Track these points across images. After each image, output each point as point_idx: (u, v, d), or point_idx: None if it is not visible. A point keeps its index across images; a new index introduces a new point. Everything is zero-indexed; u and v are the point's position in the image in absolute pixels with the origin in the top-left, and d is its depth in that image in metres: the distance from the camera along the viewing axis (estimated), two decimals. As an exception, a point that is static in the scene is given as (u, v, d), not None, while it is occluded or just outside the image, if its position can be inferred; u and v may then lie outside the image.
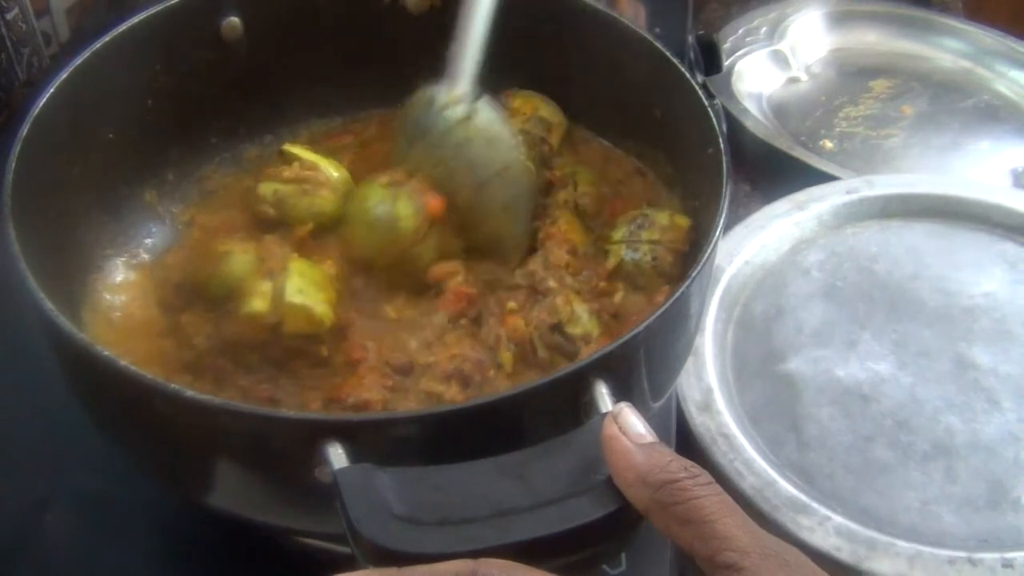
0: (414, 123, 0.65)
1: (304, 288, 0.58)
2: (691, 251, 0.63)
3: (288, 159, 0.66)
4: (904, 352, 0.78)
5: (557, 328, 0.58)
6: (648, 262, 0.62)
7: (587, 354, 0.54)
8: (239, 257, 0.60)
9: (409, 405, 0.56)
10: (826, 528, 0.66)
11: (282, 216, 0.65)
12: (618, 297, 0.61)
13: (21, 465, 0.64)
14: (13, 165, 0.54)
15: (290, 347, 0.58)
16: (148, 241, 0.66)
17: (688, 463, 0.40)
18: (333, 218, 0.65)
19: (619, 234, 0.64)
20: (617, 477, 0.41)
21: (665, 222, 0.63)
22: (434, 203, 0.62)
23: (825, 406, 0.74)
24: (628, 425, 0.41)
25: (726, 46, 1.09)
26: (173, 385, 0.46)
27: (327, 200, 0.65)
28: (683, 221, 0.63)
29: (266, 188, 0.65)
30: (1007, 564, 0.65)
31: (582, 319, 0.59)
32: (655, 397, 0.55)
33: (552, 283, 0.61)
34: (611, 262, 0.63)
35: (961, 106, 1.09)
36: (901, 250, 0.86)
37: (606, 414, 0.43)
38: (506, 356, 0.58)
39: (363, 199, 0.63)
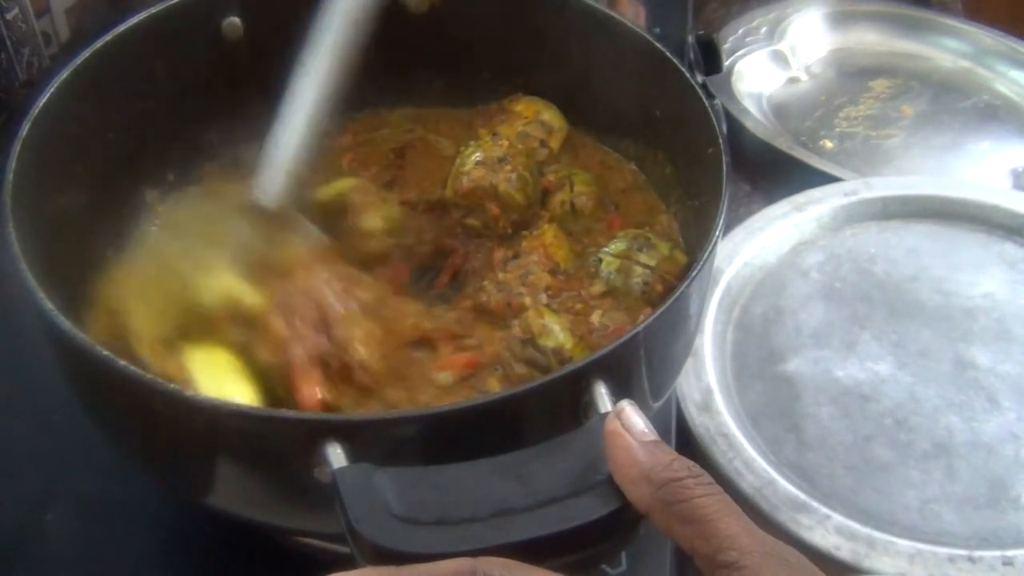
0: None
1: (215, 374, 0.54)
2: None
3: None
4: (903, 352, 0.78)
5: (529, 342, 0.58)
6: (638, 286, 0.61)
7: (560, 367, 0.54)
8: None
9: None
10: (826, 527, 0.66)
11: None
12: (596, 316, 0.60)
13: (21, 465, 0.64)
14: (13, 165, 0.54)
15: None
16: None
17: (690, 463, 0.40)
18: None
19: (616, 247, 0.63)
20: (618, 474, 0.40)
21: (665, 252, 0.62)
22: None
23: (825, 406, 0.74)
24: (630, 422, 0.41)
25: (726, 46, 1.09)
26: (172, 385, 0.46)
27: None
28: (682, 257, 0.63)
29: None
30: (1007, 562, 0.65)
31: (554, 331, 0.58)
32: (655, 397, 0.55)
33: (527, 300, 0.60)
34: (597, 287, 0.62)
35: (961, 106, 1.09)
36: (900, 251, 0.86)
37: (608, 412, 0.43)
38: (492, 382, 0.58)
39: None
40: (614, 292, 0.62)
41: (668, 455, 0.40)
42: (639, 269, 0.61)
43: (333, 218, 0.62)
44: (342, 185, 0.64)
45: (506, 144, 0.66)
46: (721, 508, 0.38)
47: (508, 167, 0.65)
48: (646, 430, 0.41)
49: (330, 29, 0.60)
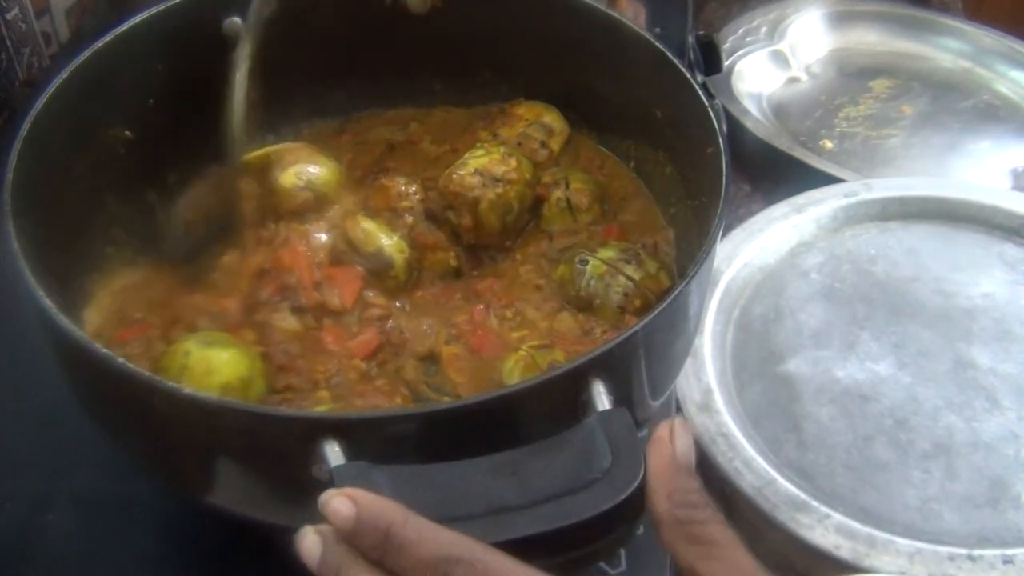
0: None
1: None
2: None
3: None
4: (903, 352, 0.78)
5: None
6: (617, 296, 0.61)
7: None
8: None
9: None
10: (826, 526, 0.66)
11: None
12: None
13: (21, 465, 0.65)
14: (13, 165, 0.54)
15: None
16: (148, 241, 0.66)
17: (711, 500, 0.42)
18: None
19: (605, 253, 0.63)
20: (652, 478, 0.42)
21: (652, 271, 0.62)
22: None
23: (825, 406, 0.74)
24: (679, 439, 0.43)
25: (726, 46, 1.10)
26: (170, 383, 0.46)
27: None
28: (666, 280, 0.63)
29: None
30: (1007, 560, 0.65)
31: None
32: (654, 396, 0.55)
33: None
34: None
35: (961, 106, 1.09)
36: (900, 252, 0.86)
37: (608, 410, 0.43)
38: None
39: None
40: (590, 300, 0.62)
41: (694, 483, 0.42)
42: (622, 279, 0.61)
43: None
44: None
45: (513, 164, 0.65)
46: (726, 537, 0.41)
47: (500, 188, 0.64)
48: (688, 452, 0.43)
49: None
